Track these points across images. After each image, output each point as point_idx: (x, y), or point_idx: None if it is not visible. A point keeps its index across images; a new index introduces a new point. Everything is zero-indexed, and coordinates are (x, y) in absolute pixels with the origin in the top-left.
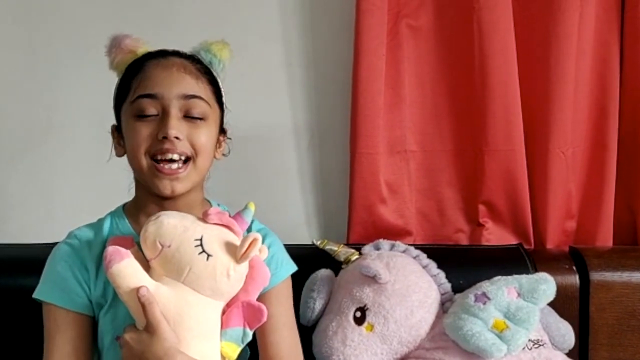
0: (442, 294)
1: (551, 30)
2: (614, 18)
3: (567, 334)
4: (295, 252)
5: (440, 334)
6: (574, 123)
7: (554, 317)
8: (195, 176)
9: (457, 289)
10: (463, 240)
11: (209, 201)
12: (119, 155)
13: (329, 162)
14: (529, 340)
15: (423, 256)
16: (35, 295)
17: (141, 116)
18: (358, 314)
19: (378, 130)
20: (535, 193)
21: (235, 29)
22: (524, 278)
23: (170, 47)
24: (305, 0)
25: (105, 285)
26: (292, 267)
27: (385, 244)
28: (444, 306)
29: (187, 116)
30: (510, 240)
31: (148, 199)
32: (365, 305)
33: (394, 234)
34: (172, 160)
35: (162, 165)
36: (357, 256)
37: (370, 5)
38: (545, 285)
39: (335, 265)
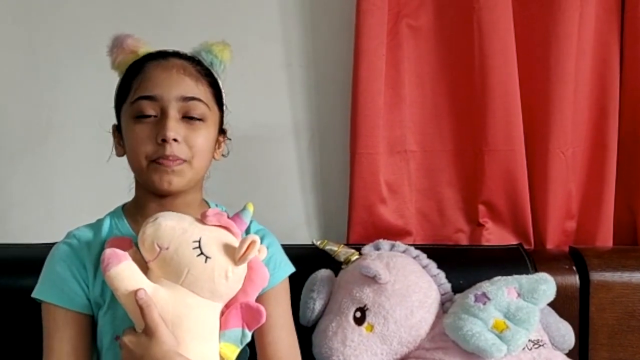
0: (442, 294)
1: (551, 30)
2: (614, 18)
3: (567, 334)
4: (295, 252)
5: (440, 334)
6: (574, 123)
7: (554, 318)
8: (191, 174)
9: (457, 289)
10: (463, 240)
11: (207, 202)
12: (119, 155)
13: (329, 162)
14: (529, 340)
15: (423, 256)
16: (34, 294)
17: (140, 117)
18: (358, 314)
19: (378, 130)
20: (535, 193)
21: (235, 29)
22: (524, 278)
23: (170, 47)
24: (305, 0)
25: (103, 285)
26: (290, 268)
27: (385, 244)
28: (444, 306)
29: (186, 117)
30: (510, 240)
31: (147, 199)
32: (365, 306)
33: (394, 234)
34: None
35: (160, 160)
36: (357, 256)
37: (370, 5)
38: (545, 285)
39: (335, 265)
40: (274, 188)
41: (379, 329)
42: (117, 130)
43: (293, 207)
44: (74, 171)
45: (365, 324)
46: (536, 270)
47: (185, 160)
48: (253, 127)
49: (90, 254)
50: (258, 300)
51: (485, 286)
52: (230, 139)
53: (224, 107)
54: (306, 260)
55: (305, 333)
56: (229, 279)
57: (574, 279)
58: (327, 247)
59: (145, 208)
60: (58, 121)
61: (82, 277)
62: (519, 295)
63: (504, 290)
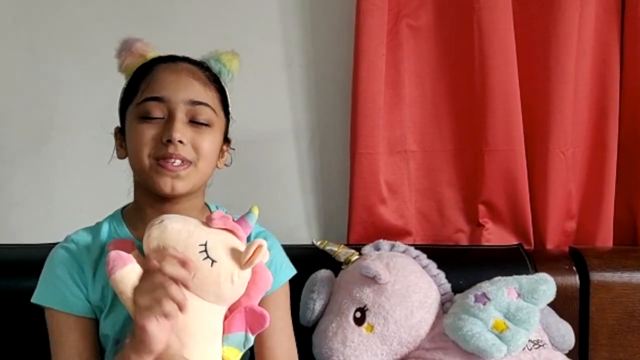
0: (442, 295)
1: (551, 30)
2: (614, 18)
3: (567, 334)
4: (295, 252)
5: (440, 335)
6: (574, 123)
7: (554, 318)
8: (196, 178)
9: (457, 289)
10: (463, 240)
11: (208, 206)
12: (120, 157)
13: (329, 162)
14: (529, 340)
15: (423, 256)
16: (35, 300)
17: (147, 118)
18: (358, 315)
19: (378, 130)
20: (535, 193)
21: (235, 29)
22: (524, 278)
23: (170, 47)
24: (305, 0)
25: (103, 289)
26: (292, 271)
27: (385, 244)
28: (444, 306)
29: (193, 121)
30: (510, 240)
31: (147, 203)
32: (365, 306)
33: (394, 234)
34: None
35: (164, 162)
36: (357, 257)
37: (370, 5)
38: (545, 285)
39: (335, 265)
40: (274, 188)
41: (379, 329)
42: (120, 132)
43: (293, 207)
44: (74, 172)
45: (365, 324)
46: (536, 271)
47: (190, 162)
48: (253, 127)
49: (89, 258)
50: (258, 303)
51: (485, 286)
52: (234, 149)
53: (230, 117)
54: (306, 261)
55: (305, 333)
56: (235, 283)
57: (574, 279)
58: (327, 248)
59: (145, 213)
60: (59, 122)
61: (82, 280)
62: (519, 295)
63: (504, 290)
